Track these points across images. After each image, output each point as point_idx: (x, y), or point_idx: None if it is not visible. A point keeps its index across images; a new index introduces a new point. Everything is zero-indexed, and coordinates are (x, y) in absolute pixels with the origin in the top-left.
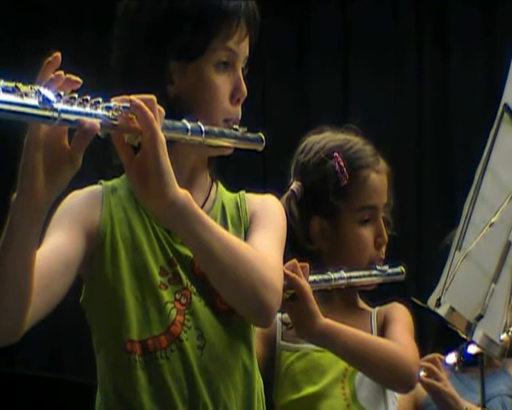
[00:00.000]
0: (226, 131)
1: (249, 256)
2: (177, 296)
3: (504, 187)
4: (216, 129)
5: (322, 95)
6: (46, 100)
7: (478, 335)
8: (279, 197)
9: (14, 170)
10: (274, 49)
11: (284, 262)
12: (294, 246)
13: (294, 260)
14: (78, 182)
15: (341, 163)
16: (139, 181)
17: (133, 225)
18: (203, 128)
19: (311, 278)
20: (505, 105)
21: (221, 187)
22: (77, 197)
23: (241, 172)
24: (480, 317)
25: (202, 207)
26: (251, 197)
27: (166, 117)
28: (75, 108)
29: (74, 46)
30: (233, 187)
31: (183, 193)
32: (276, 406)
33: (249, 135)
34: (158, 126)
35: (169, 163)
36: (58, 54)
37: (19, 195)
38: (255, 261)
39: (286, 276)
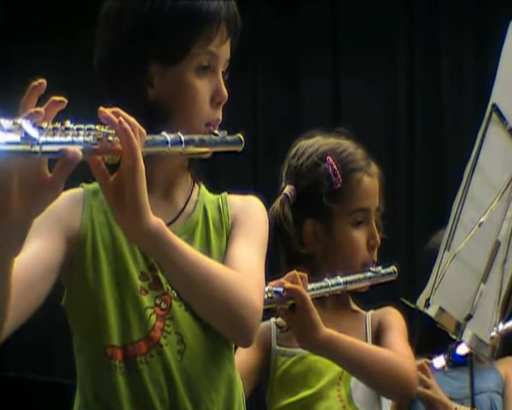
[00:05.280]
0: (206, 138)
1: (226, 278)
2: (158, 301)
3: (493, 187)
4: (196, 137)
5: (313, 98)
6: (28, 136)
7: (467, 335)
8: (270, 200)
9: None
10: (264, 52)
11: (278, 268)
12: (288, 249)
13: (294, 271)
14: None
15: (334, 166)
16: (114, 201)
17: (114, 230)
18: (183, 138)
19: (309, 286)
20: (493, 105)
21: (203, 189)
22: (57, 201)
23: (232, 175)
24: (469, 317)
25: (183, 208)
26: (233, 200)
27: (146, 121)
28: (57, 138)
29: (68, 46)
30: (224, 190)
31: (155, 222)
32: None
33: (228, 138)
34: (140, 155)
35: (145, 193)
36: (43, 80)
37: None
38: (232, 283)
39: (287, 288)
